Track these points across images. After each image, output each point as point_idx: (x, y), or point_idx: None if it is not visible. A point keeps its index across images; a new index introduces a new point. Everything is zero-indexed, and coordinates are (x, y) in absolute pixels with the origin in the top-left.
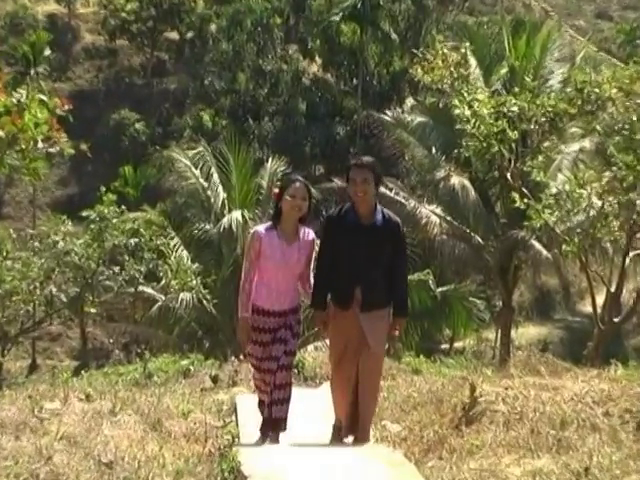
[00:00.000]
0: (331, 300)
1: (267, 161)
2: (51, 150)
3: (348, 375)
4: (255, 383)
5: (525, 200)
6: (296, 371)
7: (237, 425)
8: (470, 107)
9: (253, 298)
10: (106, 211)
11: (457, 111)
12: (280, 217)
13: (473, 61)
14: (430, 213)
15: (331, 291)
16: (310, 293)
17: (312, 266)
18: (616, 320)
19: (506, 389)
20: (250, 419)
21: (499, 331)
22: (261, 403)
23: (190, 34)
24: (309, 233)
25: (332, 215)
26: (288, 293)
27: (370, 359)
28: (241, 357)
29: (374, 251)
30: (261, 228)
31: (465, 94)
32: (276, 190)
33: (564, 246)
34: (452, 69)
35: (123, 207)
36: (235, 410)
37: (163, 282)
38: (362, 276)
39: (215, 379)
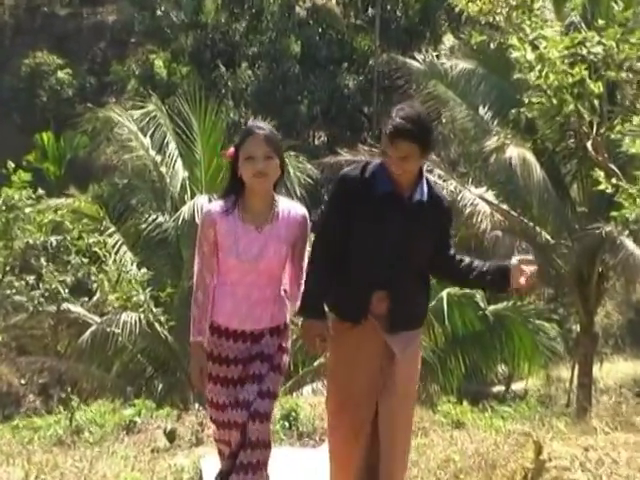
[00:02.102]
0: (331, 310)
1: (246, 125)
2: None
3: (357, 429)
4: (218, 446)
5: (613, 180)
6: (287, 424)
7: None
8: (535, 48)
9: (212, 313)
10: (16, 197)
11: (516, 54)
12: (242, 190)
13: None
14: (477, 199)
15: (334, 296)
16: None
17: (305, 260)
18: None
19: (586, 450)
20: None
21: (576, 367)
22: (221, 474)
23: None
24: (294, 208)
25: (350, 174)
26: (266, 304)
27: (400, 401)
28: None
29: (414, 239)
30: (216, 207)
31: (527, 30)
32: (231, 150)
33: None
34: None
35: (40, 191)
36: (200, 479)
37: (97, 297)
38: (392, 276)
39: (172, 436)
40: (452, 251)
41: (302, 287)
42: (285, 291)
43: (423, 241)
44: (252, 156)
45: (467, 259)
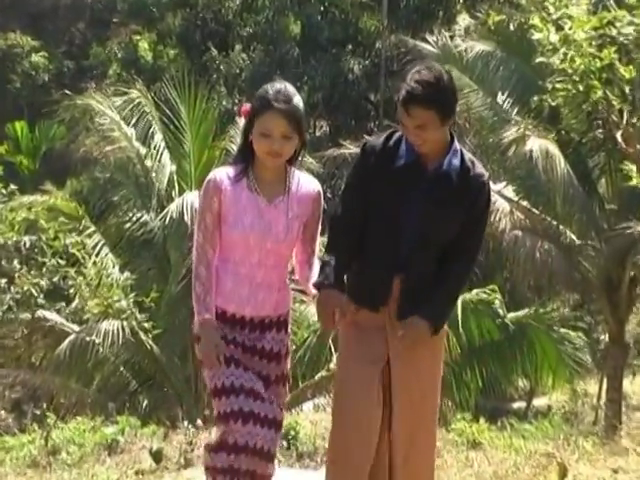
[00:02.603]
0: (350, 295)
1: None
2: None
3: (366, 444)
4: (222, 438)
5: None
6: (285, 443)
7: None
8: (559, 29)
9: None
10: None
11: (538, 35)
12: (253, 158)
13: None
14: (495, 195)
15: (352, 278)
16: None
17: (317, 241)
18: None
19: (615, 472)
20: None
21: (605, 381)
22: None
23: None
24: (308, 182)
25: (372, 144)
26: (270, 289)
27: (416, 420)
28: (207, 413)
29: (439, 217)
30: (222, 173)
31: (551, 8)
32: (246, 106)
33: None
34: None
35: (13, 186)
36: None
37: (76, 303)
38: (411, 257)
39: (158, 456)
40: (461, 252)
41: (314, 268)
42: (293, 280)
43: (448, 220)
44: (267, 134)
45: (446, 271)
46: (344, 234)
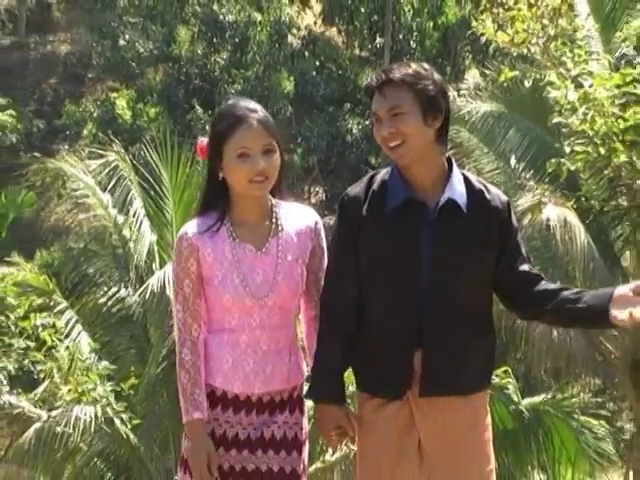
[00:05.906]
0: (358, 383)
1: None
2: None
3: None
4: None
5: None
6: None
7: None
8: (578, 86)
9: (205, 374)
10: None
11: (555, 93)
12: (228, 198)
13: (584, 6)
14: None
15: (357, 361)
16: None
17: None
18: None
19: None
20: None
21: (630, 474)
22: None
23: None
24: (300, 211)
25: (352, 193)
26: (280, 357)
27: None
28: None
29: (456, 262)
30: (193, 227)
31: (569, 64)
32: (202, 141)
33: None
34: (546, 20)
35: None
36: None
37: (44, 388)
38: (429, 322)
39: None
40: (526, 266)
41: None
42: (305, 327)
43: (470, 263)
44: (245, 153)
45: (551, 284)
46: (339, 312)
